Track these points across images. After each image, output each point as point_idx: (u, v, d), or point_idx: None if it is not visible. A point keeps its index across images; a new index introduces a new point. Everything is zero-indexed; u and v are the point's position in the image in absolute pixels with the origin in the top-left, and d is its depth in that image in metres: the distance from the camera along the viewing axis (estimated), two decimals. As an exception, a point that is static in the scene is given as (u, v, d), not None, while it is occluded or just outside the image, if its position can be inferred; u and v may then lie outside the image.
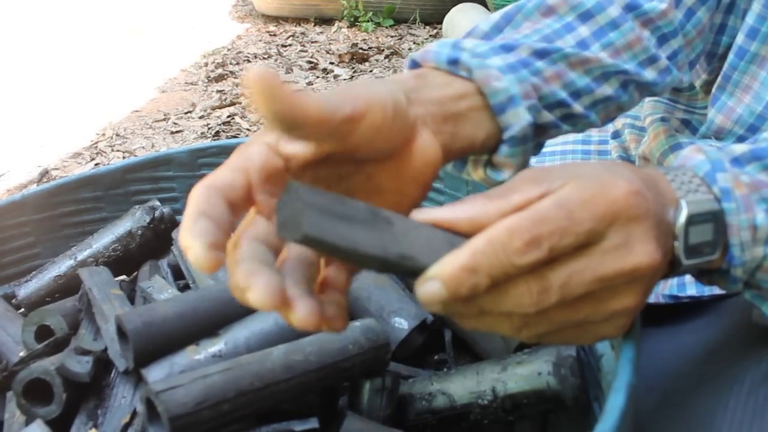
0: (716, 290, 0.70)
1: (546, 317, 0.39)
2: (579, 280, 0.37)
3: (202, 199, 0.38)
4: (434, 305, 0.37)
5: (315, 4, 3.55)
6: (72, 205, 0.88)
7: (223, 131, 2.20)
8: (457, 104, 0.48)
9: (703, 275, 0.48)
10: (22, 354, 0.70)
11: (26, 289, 0.81)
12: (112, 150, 2.13)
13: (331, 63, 2.90)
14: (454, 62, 0.50)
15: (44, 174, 1.98)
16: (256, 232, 0.40)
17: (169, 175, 0.91)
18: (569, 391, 0.54)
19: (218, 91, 2.55)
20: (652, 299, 0.73)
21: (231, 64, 2.91)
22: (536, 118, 0.52)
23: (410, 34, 3.34)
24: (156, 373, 0.57)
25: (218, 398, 0.50)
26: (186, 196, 0.93)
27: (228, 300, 0.61)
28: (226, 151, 0.90)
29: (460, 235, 0.39)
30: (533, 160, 0.90)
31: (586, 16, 0.58)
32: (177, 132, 2.24)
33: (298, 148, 0.41)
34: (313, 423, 0.55)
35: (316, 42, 3.26)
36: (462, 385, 0.59)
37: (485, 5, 3.15)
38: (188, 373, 0.53)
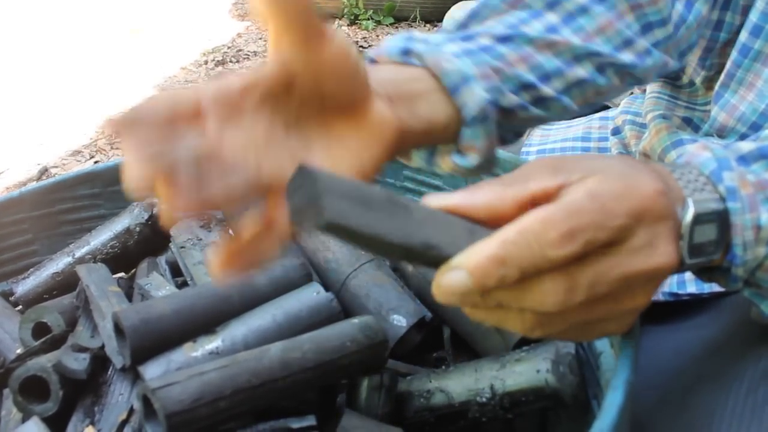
0: (716, 288, 0.70)
1: (563, 317, 0.38)
2: (606, 279, 0.37)
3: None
4: (455, 296, 0.37)
5: (315, 2, 3.54)
6: (70, 202, 0.88)
7: (223, 129, 2.20)
8: (410, 85, 0.48)
9: (703, 273, 0.48)
10: (19, 351, 0.69)
11: (24, 286, 0.81)
12: (112, 148, 2.12)
13: (332, 61, 2.90)
14: (406, 52, 0.50)
15: (43, 172, 1.98)
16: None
17: (167, 172, 0.90)
18: (568, 389, 0.54)
19: (218, 90, 2.55)
20: (651, 297, 0.72)
21: (231, 62, 2.90)
22: (500, 101, 0.51)
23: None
24: (153, 371, 0.56)
25: (215, 395, 0.50)
26: (184, 193, 0.93)
27: (225, 297, 0.61)
28: (224, 148, 0.90)
29: (478, 222, 0.38)
30: (532, 159, 0.90)
31: (554, 4, 0.57)
32: (177, 130, 2.24)
33: (268, 70, 0.40)
34: (311, 420, 0.55)
35: (316, 40, 3.25)
36: (460, 383, 0.58)
37: (486, 4, 3.15)
38: (185, 370, 0.52)
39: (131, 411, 0.58)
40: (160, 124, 0.37)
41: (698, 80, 0.74)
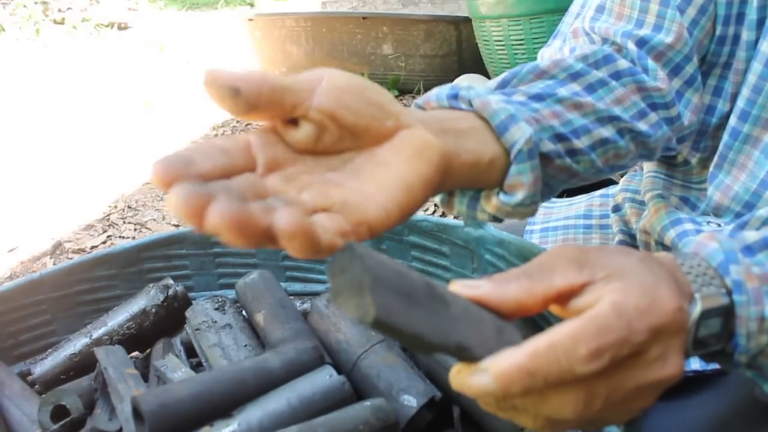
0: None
1: (578, 420, 0.40)
2: (621, 390, 0.39)
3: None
4: (476, 395, 0.38)
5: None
6: (87, 283, 0.90)
7: (233, 202, 2.23)
8: (458, 123, 0.50)
9: (706, 355, 0.49)
10: (37, 434, 0.71)
11: (42, 367, 0.83)
12: (124, 222, 2.16)
13: (338, 133, 2.96)
14: (454, 97, 0.52)
15: (57, 246, 2.01)
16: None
17: (182, 253, 0.93)
18: (576, 469, 0.55)
19: (228, 163, 2.60)
20: (657, 373, 0.73)
21: (240, 135, 2.96)
22: (540, 145, 0.53)
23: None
24: (171, 455, 0.58)
25: (232, 480, 0.51)
26: (199, 273, 0.96)
27: (241, 381, 0.63)
28: (238, 230, 0.92)
29: (504, 315, 0.39)
30: (537, 238, 0.93)
31: (576, 76, 0.61)
32: (187, 203, 2.27)
33: (292, 134, 0.41)
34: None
35: (323, 113, 3.32)
36: (471, 464, 0.59)
37: (488, 76, 3.23)
38: (203, 455, 0.54)
39: (149, 495, 0.59)
40: (208, 170, 0.36)
41: (694, 161, 0.77)
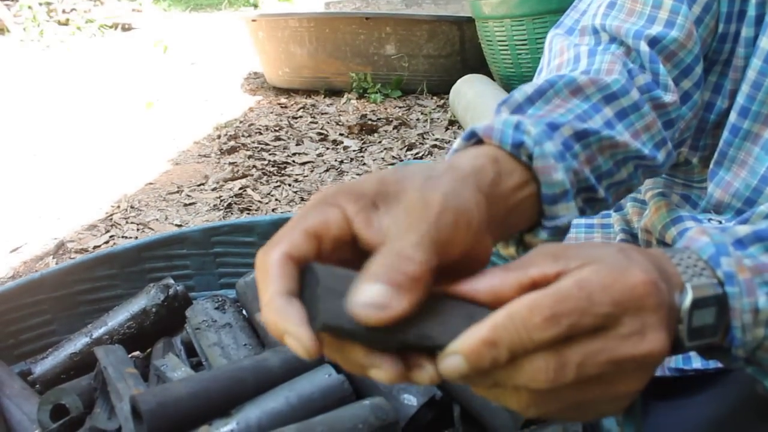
0: (720, 363, 0.71)
1: (557, 396, 0.40)
2: (594, 361, 0.38)
3: (284, 273, 0.38)
4: (454, 378, 0.38)
5: (325, 76, 3.65)
6: (88, 282, 0.91)
7: (235, 203, 2.24)
8: (517, 195, 0.50)
9: (704, 351, 0.49)
10: (37, 433, 0.71)
11: (42, 366, 0.83)
12: (127, 222, 2.16)
13: (341, 134, 2.97)
14: (517, 146, 0.51)
15: (60, 246, 2.01)
16: None
17: (183, 253, 0.93)
18: (576, 468, 0.55)
19: (230, 164, 2.61)
20: (658, 372, 0.73)
21: (243, 136, 2.97)
22: None
23: (418, 104, 3.41)
24: (169, 454, 0.58)
25: (230, 479, 0.51)
26: (199, 273, 0.96)
27: (240, 380, 0.62)
28: (238, 230, 0.93)
29: (481, 306, 0.40)
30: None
31: (610, 98, 0.61)
32: (190, 204, 2.28)
33: None
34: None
35: (326, 113, 3.34)
36: (470, 463, 0.59)
37: (491, 76, 3.23)
38: (201, 454, 0.54)
39: (147, 494, 0.59)
40: None
41: (695, 160, 0.77)
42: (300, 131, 3.04)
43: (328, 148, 2.80)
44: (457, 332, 0.38)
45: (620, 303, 0.39)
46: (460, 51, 3.46)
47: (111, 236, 2.07)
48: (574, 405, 0.41)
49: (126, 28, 6.49)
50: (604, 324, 0.39)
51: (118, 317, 0.85)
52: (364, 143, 2.85)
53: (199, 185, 2.44)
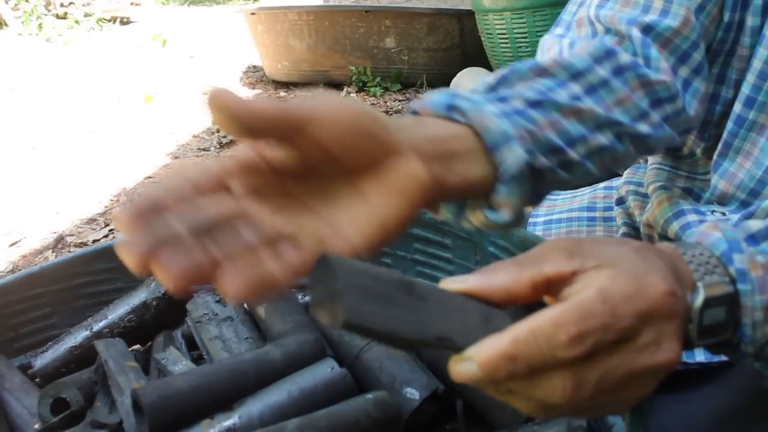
0: (725, 357, 0.70)
1: (568, 407, 0.39)
2: (613, 376, 0.38)
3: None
4: (467, 383, 0.38)
5: (324, 70, 3.64)
6: (88, 276, 0.90)
7: (235, 196, 2.23)
8: (451, 143, 0.48)
9: (712, 347, 0.48)
10: (37, 427, 0.70)
11: (42, 360, 0.82)
12: (126, 216, 2.15)
13: (341, 127, 2.96)
14: (450, 108, 0.50)
15: (59, 240, 2.01)
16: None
17: (183, 246, 0.92)
18: (580, 462, 0.55)
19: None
20: (661, 366, 0.73)
21: (242, 129, 2.96)
22: (533, 161, 0.52)
23: (418, 98, 3.40)
24: (171, 448, 0.57)
25: (233, 473, 0.51)
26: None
27: (242, 373, 0.62)
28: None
29: (494, 305, 0.39)
30: (540, 230, 0.92)
31: (576, 75, 0.59)
32: (189, 197, 2.27)
33: (276, 154, 0.41)
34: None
35: (325, 107, 3.32)
36: (474, 457, 0.59)
37: (491, 69, 3.22)
38: (203, 447, 0.53)
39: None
40: (175, 207, 0.37)
41: (699, 151, 0.77)
42: (299, 125, 3.02)
43: (327, 142, 2.79)
44: (474, 335, 0.37)
45: (643, 314, 0.38)
46: (460, 44, 3.44)
47: (110, 230, 2.07)
48: (583, 409, 0.40)
49: (124, 22, 6.47)
50: (624, 336, 0.38)
51: (119, 310, 0.84)
52: (363, 137, 2.83)
53: (198, 179, 2.43)
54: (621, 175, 0.92)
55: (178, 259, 0.35)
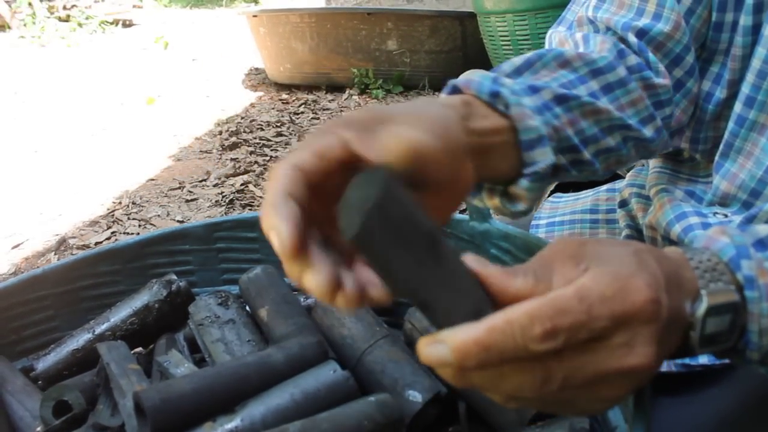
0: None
1: (539, 401, 0.39)
2: (581, 374, 0.38)
3: (288, 179, 0.40)
4: (433, 364, 0.38)
5: (326, 72, 3.64)
6: (91, 278, 0.90)
7: (237, 199, 2.23)
8: (491, 138, 0.52)
9: (717, 352, 0.48)
10: (39, 430, 0.70)
11: (44, 362, 0.82)
12: (128, 218, 2.16)
13: (343, 129, 2.96)
14: (494, 95, 0.53)
15: (62, 242, 2.01)
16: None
17: (185, 249, 0.93)
18: (583, 465, 0.54)
19: (232, 159, 2.60)
20: (664, 368, 0.73)
21: (245, 132, 2.97)
22: (557, 161, 0.56)
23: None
24: (173, 451, 0.57)
25: (235, 476, 0.51)
26: (202, 269, 0.95)
27: (244, 376, 0.62)
28: (241, 225, 0.92)
29: (494, 305, 0.39)
30: (543, 232, 0.92)
31: (597, 73, 0.62)
32: (192, 200, 2.28)
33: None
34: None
35: (327, 109, 3.33)
36: (476, 460, 0.59)
37: (492, 71, 3.22)
38: (205, 450, 0.53)
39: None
40: (305, 204, 0.40)
41: (698, 155, 0.77)
42: (301, 127, 3.04)
43: (329, 144, 2.79)
44: (455, 320, 0.37)
45: (617, 317, 0.38)
46: (462, 46, 3.45)
47: (113, 232, 2.07)
48: (558, 403, 0.40)
49: (127, 25, 6.49)
50: (596, 336, 0.38)
51: (121, 313, 0.84)
52: (365, 139, 2.83)
53: (200, 181, 2.44)
54: (623, 177, 0.92)
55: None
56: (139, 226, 2.10)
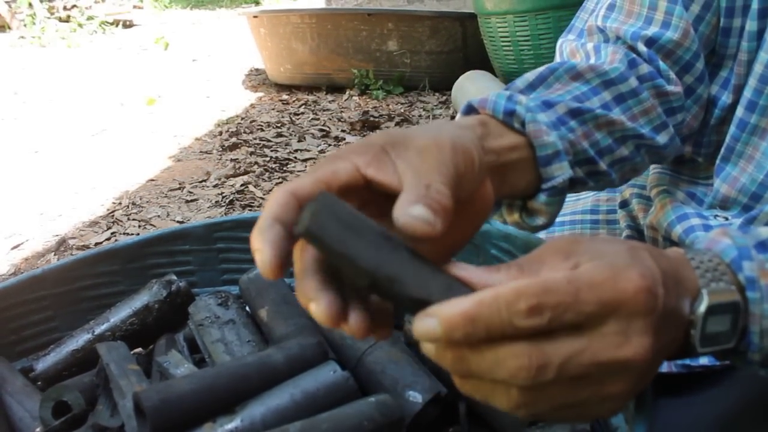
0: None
1: (545, 395, 0.39)
2: (577, 361, 0.38)
3: (279, 203, 0.41)
4: (427, 341, 0.38)
5: (326, 73, 3.64)
6: (90, 278, 0.90)
7: (237, 200, 2.23)
8: (509, 155, 0.53)
9: (718, 354, 0.48)
10: (39, 430, 0.70)
11: (44, 363, 0.82)
12: (128, 219, 2.16)
13: (343, 131, 2.96)
14: (509, 113, 0.54)
15: (61, 243, 2.01)
16: None
17: (185, 249, 0.92)
18: (584, 466, 0.54)
19: (232, 160, 2.60)
20: (664, 368, 0.73)
21: (245, 132, 2.97)
22: (574, 174, 0.57)
23: (420, 101, 3.41)
24: (173, 451, 0.57)
25: (235, 477, 0.51)
26: (202, 269, 0.95)
27: (244, 376, 0.62)
28: (241, 225, 0.92)
29: (467, 287, 0.40)
30: (543, 233, 0.92)
31: (609, 84, 0.64)
32: (192, 201, 2.28)
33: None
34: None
35: (327, 110, 3.33)
36: (477, 461, 0.59)
37: (493, 72, 3.22)
38: (205, 451, 0.53)
39: (150, 492, 0.59)
40: None
41: (700, 158, 0.77)
42: (302, 128, 3.04)
43: (330, 145, 2.79)
44: (431, 290, 0.38)
45: (606, 303, 0.38)
46: (463, 47, 3.45)
47: (112, 233, 2.07)
48: (565, 405, 0.40)
49: (127, 25, 6.49)
50: (586, 322, 0.38)
51: (120, 313, 0.84)
52: (366, 140, 2.83)
53: (200, 182, 2.44)
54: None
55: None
56: (139, 226, 2.10)
